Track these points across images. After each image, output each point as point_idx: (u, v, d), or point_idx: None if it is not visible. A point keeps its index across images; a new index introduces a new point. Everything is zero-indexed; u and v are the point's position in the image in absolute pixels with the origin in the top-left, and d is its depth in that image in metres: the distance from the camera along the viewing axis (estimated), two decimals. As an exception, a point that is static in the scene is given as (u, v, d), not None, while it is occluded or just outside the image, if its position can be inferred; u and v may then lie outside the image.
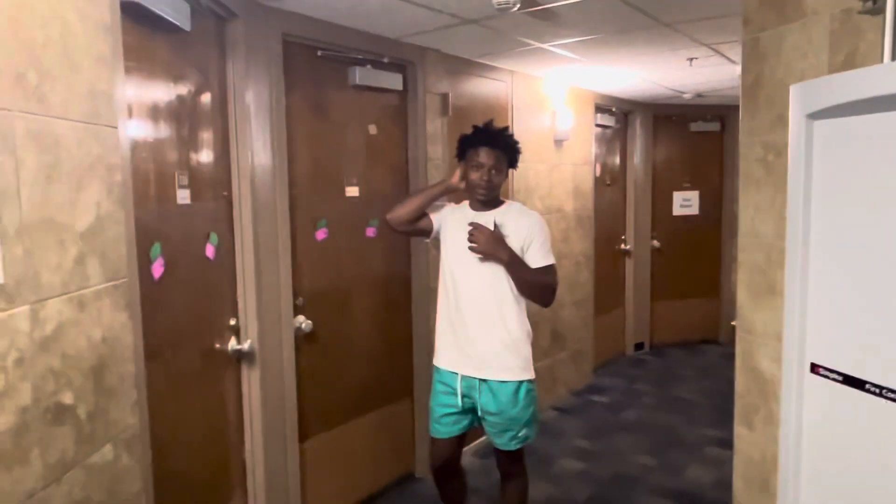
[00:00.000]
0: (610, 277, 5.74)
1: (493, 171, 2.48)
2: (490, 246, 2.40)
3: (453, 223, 2.56)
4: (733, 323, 2.24)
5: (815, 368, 1.69)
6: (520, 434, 2.52)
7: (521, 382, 2.47)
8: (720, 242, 6.34)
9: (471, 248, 2.43)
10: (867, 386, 1.53)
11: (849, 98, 1.56)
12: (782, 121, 1.86)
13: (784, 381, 1.80)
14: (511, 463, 2.62)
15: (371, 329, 3.32)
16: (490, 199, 2.54)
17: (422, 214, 2.61)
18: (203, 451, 2.28)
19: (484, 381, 2.49)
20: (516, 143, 2.57)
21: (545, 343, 4.63)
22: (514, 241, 2.44)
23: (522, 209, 2.59)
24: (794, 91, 1.74)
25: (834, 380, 1.63)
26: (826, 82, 1.65)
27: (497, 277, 2.44)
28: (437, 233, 2.62)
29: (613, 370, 5.64)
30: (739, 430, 2.20)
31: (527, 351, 2.51)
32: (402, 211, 2.60)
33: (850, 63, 1.71)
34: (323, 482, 3.08)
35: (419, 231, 2.65)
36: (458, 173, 2.59)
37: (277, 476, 2.74)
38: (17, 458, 1.23)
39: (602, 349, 5.61)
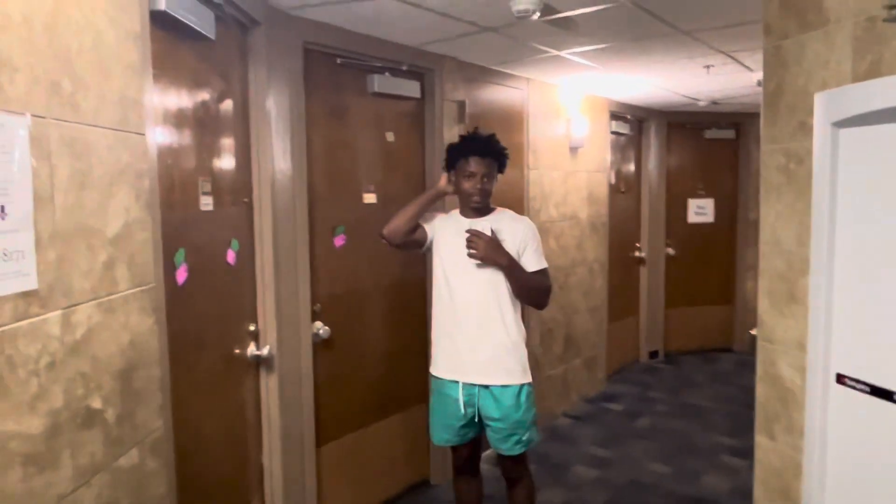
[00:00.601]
0: (624, 284, 5.72)
1: (485, 179, 2.52)
2: (490, 252, 2.43)
3: (447, 231, 2.58)
4: (753, 331, 2.23)
5: (840, 379, 1.68)
6: (524, 438, 2.54)
7: (522, 385, 2.51)
8: (735, 250, 6.30)
9: (470, 255, 2.45)
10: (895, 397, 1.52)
11: (875, 106, 1.55)
12: (804, 129, 1.86)
13: (808, 391, 1.79)
14: (515, 467, 2.63)
15: (387, 335, 3.33)
16: (483, 206, 2.57)
17: (417, 225, 2.61)
18: (223, 455, 2.29)
19: (485, 387, 2.51)
20: (504, 149, 2.61)
21: (559, 349, 4.62)
22: (509, 247, 2.49)
23: (514, 215, 2.63)
24: (819, 99, 1.73)
25: (861, 390, 1.62)
26: (852, 90, 1.65)
27: (494, 282, 2.49)
28: (431, 243, 2.64)
29: (627, 377, 5.61)
30: (760, 439, 2.18)
31: (525, 354, 2.56)
32: (399, 222, 2.59)
33: (874, 71, 1.70)
34: (339, 487, 3.09)
35: (414, 242, 2.64)
36: (444, 177, 2.63)
37: (294, 480, 2.75)
38: (48, 460, 1.24)
39: (616, 356, 5.58)
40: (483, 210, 2.58)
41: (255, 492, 2.55)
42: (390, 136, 3.26)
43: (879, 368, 1.57)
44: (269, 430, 2.61)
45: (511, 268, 2.46)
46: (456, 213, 2.64)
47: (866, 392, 1.59)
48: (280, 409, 2.61)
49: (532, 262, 2.52)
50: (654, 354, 6.14)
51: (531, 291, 2.54)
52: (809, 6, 1.89)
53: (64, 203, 1.28)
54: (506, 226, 2.54)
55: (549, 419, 4.52)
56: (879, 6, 1.64)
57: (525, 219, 2.64)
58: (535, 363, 4.31)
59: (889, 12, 1.60)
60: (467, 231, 2.46)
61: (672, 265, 6.13)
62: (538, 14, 2.47)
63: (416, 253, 2.74)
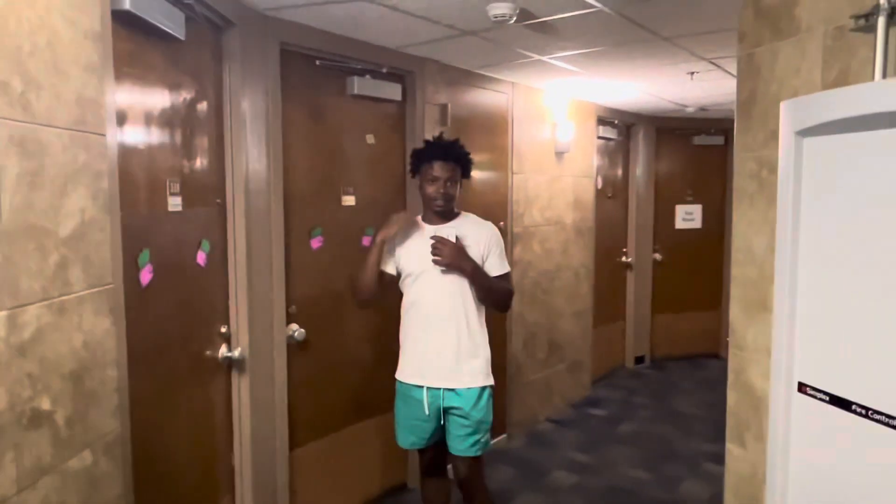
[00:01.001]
0: (610, 289, 5.72)
1: (448, 184, 2.53)
2: (454, 258, 2.45)
3: (409, 241, 2.59)
4: (728, 338, 2.23)
5: (802, 387, 1.67)
6: (482, 439, 2.57)
7: (484, 388, 2.55)
8: (722, 256, 6.30)
9: (435, 262, 2.47)
10: (854, 407, 1.51)
11: (838, 116, 1.55)
12: (776, 137, 1.85)
13: (772, 399, 1.79)
14: (471, 477, 2.61)
15: (364, 338, 3.31)
16: (446, 210, 2.58)
17: (380, 273, 2.59)
18: (191, 457, 2.27)
19: (450, 389, 2.53)
20: (468, 153, 2.63)
21: (542, 354, 4.61)
22: (473, 252, 2.52)
23: (477, 220, 2.66)
24: (784, 108, 1.73)
25: (821, 399, 1.61)
26: (815, 99, 1.65)
27: (459, 288, 2.51)
28: (398, 268, 2.63)
29: (612, 383, 5.61)
30: (731, 447, 2.18)
31: (488, 357, 2.59)
32: (362, 285, 2.60)
33: (842, 80, 1.70)
34: (313, 491, 3.07)
35: (389, 284, 2.65)
36: (387, 224, 2.56)
37: (266, 484, 2.73)
38: (-10, 463, 1.23)
39: (601, 361, 5.58)
40: (447, 215, 2.59)
41: (224, 493, 2.53)
42: (370, 139, 3.25)
43: (839, 378, 1.56)
44: (241, 431, 2.59)
45: (475, 273, 2.49)
46: (418, 219, 2.65)
47: (826, 401, 1.59)
48: (252, 411, 2.59)
49: (496, 266, 2.57)
50: (640, 360, 6.14)
51: (495, 295, 2.59)
52: (782, 14, 1.89)
53: (11, 203, 1.27)
54: (470, 231, 2.56)
55: (532, 424, 4.51)
56: (847, 16, 1.64)
57: (488, 223, 2.66)
58: (517, 367, 4.31)
59: (856, 22, 1.60)
60: (432, 238, 2.48)
61: (659, 271, 6.13)
62: (514, 19, 2.47)
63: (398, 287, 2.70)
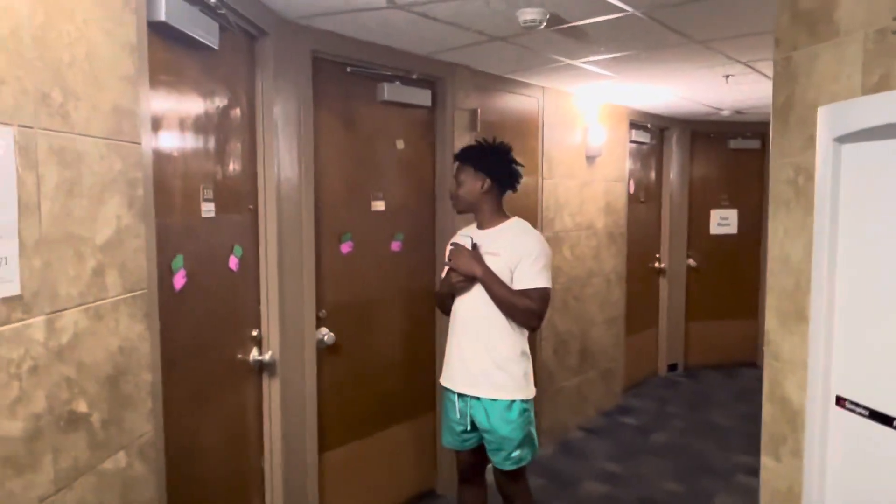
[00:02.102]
0: (643, 296, 5.64)
1: (458, 185, 2.59)
2: (465, 263, 2.45)
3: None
4: (764, 348, 2.18)
5: (840, 401, 1.62)
6: (513, 455, 2.48)
7: (512, 401, 2.46)
8: (759, 262, 6.15)
9: (447, 264, 2.53)
10: (895, 423, 1.46)
11: (880, 122, 1.50)
12: (813, 143, 1.80)
13: (808, 413, 1.74)
14: (508, 483, 2.59)
15: (394, 343, 3.33)
16: (460, 211, 2.66)
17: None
18: (222, 460, 2.31)
19: (477, 398, 2.50)
20: (468, 148, 2.62)
21: (573, 361, 4.57)
22: (501, 260, 2.45)
23: (523, 228, 2.57)
24: (822, 114, 1.69)
25: (860, 414, 1.56)
26: (855, 105, 1.60)
27: (489, 301, 2.46)
28: None
29: (645, 391, 5.52)
30: (766, 461, 2.12)
31: (519, 370, 2.48)
32: (440, 299, 2.75)
33: (884, 85, 1.64)
34: (342, 495, 3.09)
35: None
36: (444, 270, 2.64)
37: (296, 487, 2.76)
38: (28, 463, 1.26)
39: (634, 369, 5.49)
40: (490, 220, 2.57)
41: (254, 496, 2.57)
42: (400, 144, 3.27)
43: (879, 392, 1.51)
44: (271, 435, 2.62)
45: (485, 280, 2.43)
46: (473, 226, 2.66)
47: (865, 416, 1.54)
48: (282, 414, 2.62)
49: (522, 278, 2.44)
50: (673, 368, 6.03)
51: (510, 308, 2.43)
52: (820, 18, 1.84)
53: (51, 211, 1.30)
54: (506, 238, 2.51)
55: (563, 432, 4.47)
56: (889, 18, 1.59)
57: (532, 234, 2.56)
58: (547, 375, 4.27)
59: (897, 24, 1.55)
60: (451, 243, 2.54)
61: (693, 277, 6.02)
62: (544, 24, 2.45)
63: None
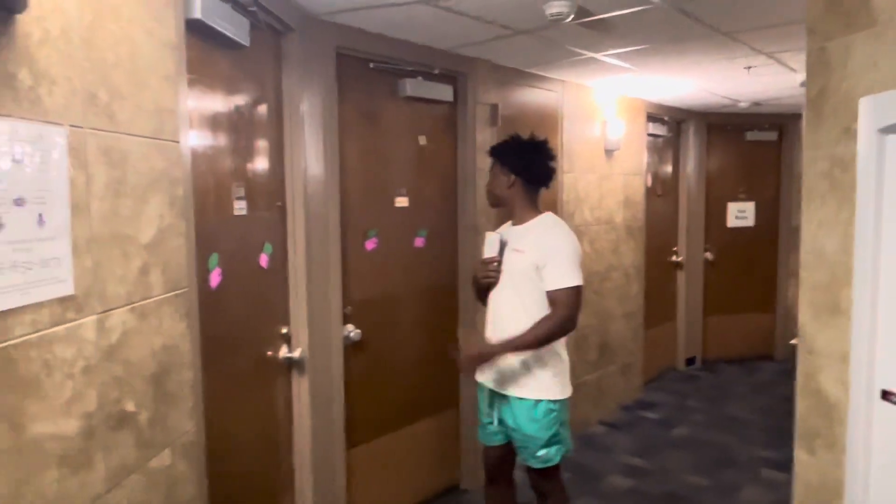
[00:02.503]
0: (661, 290, 5.61)
1: (488, 179, 2.64)
2: (468, 366, 2.51)
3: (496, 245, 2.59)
4: (793, 342, 2.16)
5: (886, 395, 1.61)
6: (538, 454, 2.46)
7: (538, 401, 2.43)
8: (776, 255, 6.12)
9: (479, 265, 2.60)
10: (944, 416, 1.45)
11: (925, 111, 1.48)
12: (849, 134, 1.79)
13: (851, 407, 1.72)
14: (539, 481, 2.57)
15: (418, 338, 3.33)
16: (492, 205, 2.71)
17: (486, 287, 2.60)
18: (254, 456, 2.32)
19: (504, 396, 2.50)
20: (496, 145, 2.65)
21: (593, 356, 4.56)
22: (526, 258, 2.42)
23: (550, 223, 2.53)
24: (865, 104, 1.67)
25: (907, 408, 1.55)
26: (900, 95, 1.58)
27: (514, 296, 2.45)
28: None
29: (664, 385, 5.50)
30: (799, 455, 2.10)
31: (547, 370, 2.45)
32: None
33: (926, 74, 1.62)
34: (369, 490, 3.10)
35: None
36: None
37: (325, 482, 2.77)
38: (82, 462, 1.27)
39: (652, 363, 5.48)
40: (522, 216, 2.55)
41: (285, 493, 2.58)
42: (422, 140, 3.26)
43: (928, 386, 1.50)
44: (300, 431, 2.63)
45: (497, 354, 2.41)
46: (509, 223, 2.66)
47: (913, 410, 1.52)
48: (311, 410, 2.63)
49: (551, 279, 2.38)
50: (691, 361, 6.00)
51: (543, 341, 2.37)
52: (857, 6, 1.82)
53: (100, 211, 1.31)
54: (533, 235, 2.48)
55: (584, 426, 4.46)
56: (932, 6, 1.57)
57: (557, 229, 2.49)
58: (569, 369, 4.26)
59: (941, 12, 1.52)
60: (487, 240, 2.56)
61: (711, 270, 5.99)
62: (572, 17, 2.44)
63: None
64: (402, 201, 3.18)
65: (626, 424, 4.61)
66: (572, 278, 2.39)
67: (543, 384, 2.44)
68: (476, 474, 3.42)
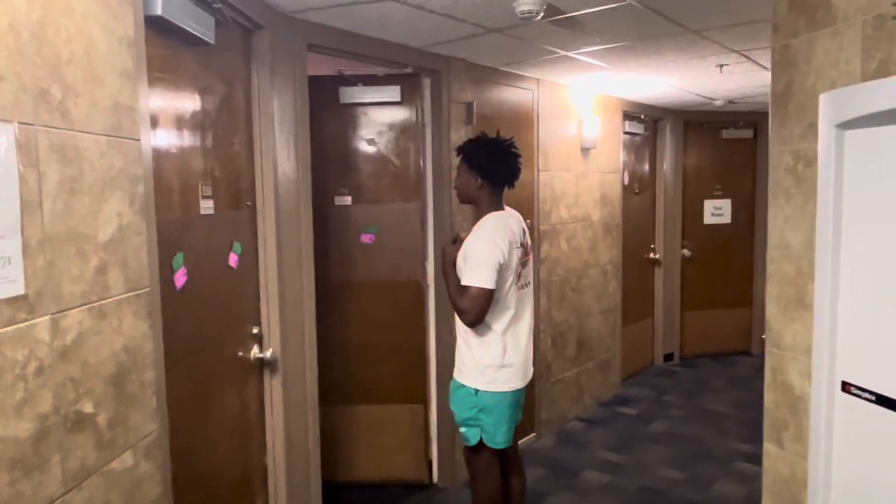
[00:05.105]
0: (639, 287, 5.66)
1: (456, 177, 2.66)
2: (441, 255, 2.62)
3: None
4: (764, 336, 2.19)
5: (846, 387, 1.63)
6: (460, 430, 2.62)
7: (461, 385, 2.57)
8: (753, 251, 6.19)
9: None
10: (901, 406, 1.47)
11: (881, 107, 1.50)
12: (813, 130, 1.81)
13: (813, 398, 1.75)
14: (465, 458, 2.70)
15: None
16: (461, 201, 2.69)
17: None
18: (223, 456, 2.30)
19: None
20: (473, 146, 2.62)
21: (571, 352, 4.58)
22: (460, 254, 2.51)
23: (483, 224, 2.53)
24: (824, 100, 1.69)
25: (867, 399, 1.57)
26: (857, 91, 1.60)
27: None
28: None
29: (642, 381, 5.54)
30: (768, 447, 2.13)
31: (472, 360, 2.52)
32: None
33: (883, 70, 1.65)
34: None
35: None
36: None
37: (299, 483, 2.75)
38: (36, 464, 1.25)
39: (630, 359, 5.51)
40: (481, 213, 2.59)
41: (258, 493, 2.56)
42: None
43: (886, 377, 1.52)
44: (273, 431, 2.61)
45: (443, 273, 2.58)
46: None
47: (872, 401, 1.55)
48: (284, 410, 2.61)
49: (462, 275, 2.46)
50: (669, 357, 6.06)
51: (451, 301, 2.53)
52: (818, 4, 1.84)
53: (53, 209, 1.29)
54: (472, 232, 2.55)
55: (561, 423, 4.49)
56: (888, 4, 1.59)
57: (482, 230, 2.49)
58: (545, 366, 4.28)
59: (897, 10, 1.55)
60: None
61: (688, 267, 6.04)
62: (542, 15, 2.44)
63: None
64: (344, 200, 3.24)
65: (604, 420, 4.64)
66: (475, 279, 2.39)
67: (471, 374, 2.54)
68: (453, 470, 3.43)
